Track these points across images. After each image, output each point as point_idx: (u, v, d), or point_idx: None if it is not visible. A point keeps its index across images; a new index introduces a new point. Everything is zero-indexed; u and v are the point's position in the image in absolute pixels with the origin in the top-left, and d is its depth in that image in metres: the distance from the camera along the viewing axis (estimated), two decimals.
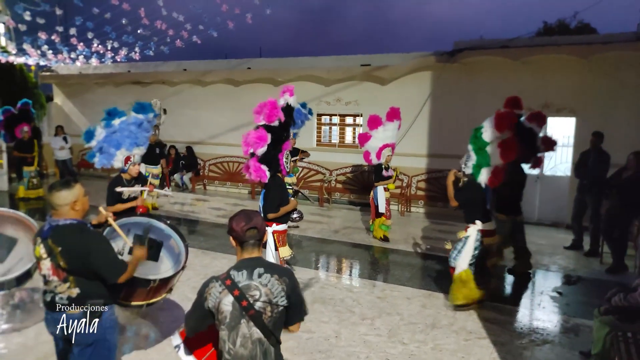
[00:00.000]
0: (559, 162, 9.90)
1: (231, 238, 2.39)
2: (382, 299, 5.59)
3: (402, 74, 10.79)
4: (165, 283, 3.35)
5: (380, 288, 5.94)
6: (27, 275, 4.22)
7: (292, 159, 7.92)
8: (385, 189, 7.97)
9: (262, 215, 4.65)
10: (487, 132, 5.25)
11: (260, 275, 2.27)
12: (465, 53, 9.78)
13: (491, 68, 9.83)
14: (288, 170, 5.06)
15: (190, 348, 2.58)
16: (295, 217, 4.75)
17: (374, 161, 7.91)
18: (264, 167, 4.73)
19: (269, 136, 4.65)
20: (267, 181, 4.80)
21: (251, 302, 2.22)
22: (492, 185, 5.26)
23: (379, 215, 8.07)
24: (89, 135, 5.73)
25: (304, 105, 7.92)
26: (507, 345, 4.53)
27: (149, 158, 9.14)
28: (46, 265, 2.64)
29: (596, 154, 7.51)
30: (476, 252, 5.23)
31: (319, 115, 12.35)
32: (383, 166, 7.90)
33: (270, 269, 2.32)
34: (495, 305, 5.51)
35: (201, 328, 2.39)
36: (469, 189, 5.38)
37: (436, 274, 6.51)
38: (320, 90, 11.89)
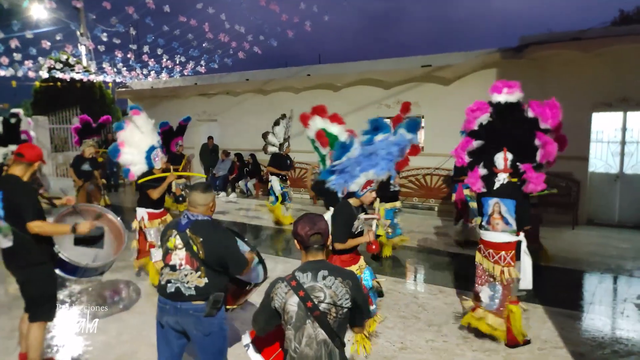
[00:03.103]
0: None
1: (296, 241, 2.46)
2: (449, 305, 5.44)
3: (465, 73, 10.49)
4: (251, 289, 3.52)
5: (446, 294, 5.78)
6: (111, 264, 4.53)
7: None
8: None
9: (516, 228, 4.34)
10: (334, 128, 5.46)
11: (324, 278, 2.31)
12: (532, 48, 9.34)
13: (562, 62, 9.31)
14: None
15: (259, 347, 2.67)
16: None
17: None
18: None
19: None
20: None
21: (316, 303, 2.25)
22: None
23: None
24: (343, 149, 4.27)
25: None
26: (586, 356, 4.24)
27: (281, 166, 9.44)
28: (179, 255, 2.91)
29: None
30: None
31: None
32: None
33: (334, 271, 2.35)
34: (573, 313, 5.18)
35: (270, 328, 2.46)
36: (322, 181, 5.45)
37: None
38: (380, 93, 11.83)
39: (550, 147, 4.15)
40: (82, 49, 16.29)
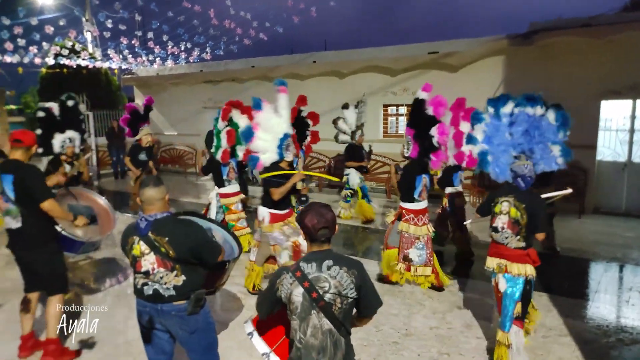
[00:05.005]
0: None
1: (302, 231, 2.43)
2: (453, 292, 5.45)
3: (472, 60, 10.38)
4: (229, 266, 3.46)
5: (451, 282, 5.78)
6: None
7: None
8: None
9: None
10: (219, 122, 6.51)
11: (329, 268, 2.30)
12: (541, 34, 9.21)
13: (571, 49, 9.18)
14: None
15: (262, 335, 2.67)
16: None
17: None
18: None
19: None
20: None
21: (321, 293, 2.25)
22: (223, 160, 6.52)
23: None
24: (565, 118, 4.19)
25: None
26: (591, 344, 4.25)
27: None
28: (149, 260, 2.75)
29: None
30: (220, 210, 6.58)
31: (385, 106, 12.20)
32: None
33: (339, 261, 2.34)
34: (578, 301, 5.19)
35: (274, 312, 2.47)
36: (211, 164, 6.73)
37: None
38: (387, 80, 11.74)
39: (442, 136, 5.27)
40: (88, 36, 16.25)
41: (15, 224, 3.84)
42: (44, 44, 11.97)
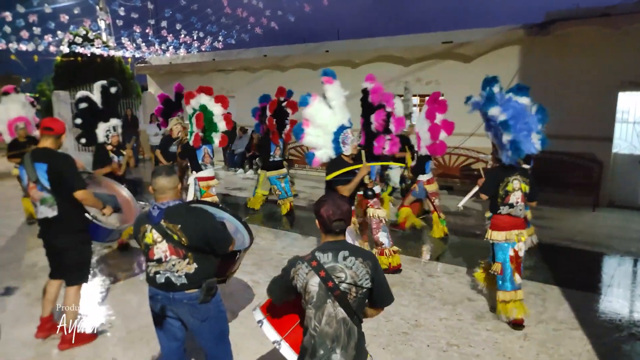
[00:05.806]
0: None
1: (317, 222, 2.44)
2: (464, 284, 5.45)
3: (487, 49, 10.25)
4: (240, 256, 3.47)
5: (462, 273, 5.78)
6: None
7: None
8: None
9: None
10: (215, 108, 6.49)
11: (345, 258, 2.31)
12: (558, 24, 9.04)
13: (588, 40, 9.01)
14: None
15: (272, 323, 2.67)
16: None
17: None
18: None
19: None
20: None
21: (337, 283, 2.27)
22: (195, 145, 6.47)
23: None
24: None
25: None
26: (602, 337, 4.22)
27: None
28: (162, 248, 2.78)
29: None
30: (199, 192, 6.48)
31: (397, 96, 12.11)
32: None
33: (354, 252, 2.35)
34: (590, 295, 5.15)
35: (289, 300, 2.50)
36: (185, 149, 6.73)
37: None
38: (399, 70, 11.65)
39: (377, 121, 5.41)
40: (102, 24, 16.32)
41: (52, 212, 3.85)
42: (58, 32, 12.05)
